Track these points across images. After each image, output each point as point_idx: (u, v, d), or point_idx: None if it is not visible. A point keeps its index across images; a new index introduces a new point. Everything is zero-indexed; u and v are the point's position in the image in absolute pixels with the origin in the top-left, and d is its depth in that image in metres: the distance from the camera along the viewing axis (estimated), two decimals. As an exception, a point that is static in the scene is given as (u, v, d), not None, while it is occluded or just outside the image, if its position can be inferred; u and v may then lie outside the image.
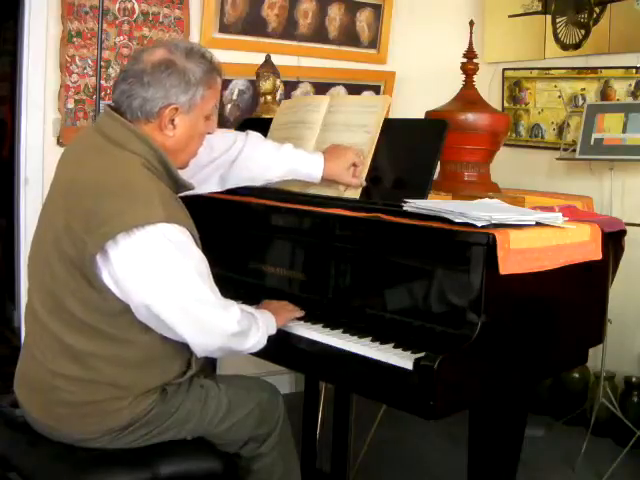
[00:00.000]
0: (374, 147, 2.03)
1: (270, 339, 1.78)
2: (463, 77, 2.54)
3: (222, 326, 1.65)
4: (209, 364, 2.20)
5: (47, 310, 1.66)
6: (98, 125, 1.71)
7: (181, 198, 1.74)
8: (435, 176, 2.05)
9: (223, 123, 3.39)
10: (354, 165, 2.01)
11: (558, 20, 3.48)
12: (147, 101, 1.65)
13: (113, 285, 1.58)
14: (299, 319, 1.89)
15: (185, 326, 1.62)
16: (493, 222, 1.68)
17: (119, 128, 1.66)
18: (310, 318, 1.89)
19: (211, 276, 1.67)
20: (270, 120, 2.36)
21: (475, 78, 2.54)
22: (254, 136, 2.12)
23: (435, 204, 1.80)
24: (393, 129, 2.05)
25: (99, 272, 1.57)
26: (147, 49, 1.70)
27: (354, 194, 2.04)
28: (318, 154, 2.05)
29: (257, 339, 1.73)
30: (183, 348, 1.70)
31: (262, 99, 2.82)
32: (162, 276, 1.57)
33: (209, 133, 1.81)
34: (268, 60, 2.82)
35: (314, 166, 2.04)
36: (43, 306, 1.67)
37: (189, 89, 1.67)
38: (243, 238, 2.23)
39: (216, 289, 1.67)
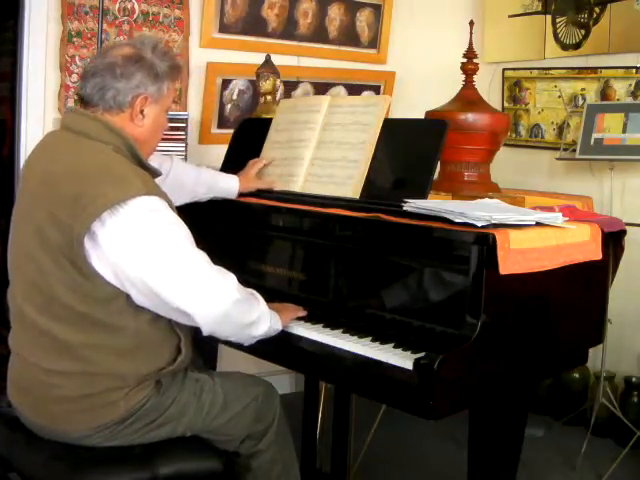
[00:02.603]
0: (374, 147, 2.03)
1: (270, 339, 1.78)
2: (463, 77, 2.54)
3: (222, 290, 1.64)
4: (207, 363, 2.20)
5: (34, 307, 1.66)
6: (63, 124, 1.79)
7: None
8: (435, 176, 2.05)
9: (223, 123, 3.39)
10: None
11: (558, 20, 3.48)
12: (120, 91, 1.73)
13: (103, 269, 1.59)
14: (299, 319, 1.89)
15: (185, 295, 1.60)
16: (493, 222, 1.68)
17: (86, 121, 1.72)
18: (310, 318, 1.89)
19: None
20: (270, 120, 2.36)
21: (475, 78, 2.54)
22: (177, 158, 2.28)
23: (435, 204, 1.80)
24: (393, 129, 2.05)
25: (88, 256, 1.58)
26: (115, 46, 1.81)
27: (345, 193, 2.03)
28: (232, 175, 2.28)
29: (259, 314, 1.72)
30: (172, 333, 1.72)
31: (262, 99, 2.82)
32: (154, 246, 1.59)
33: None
34: (268, 60, 2.83)
35: (230, 183, 2.24)
36: (30, 303, 1.67)
37: (157, 80, 1.77)
38: (243, 238, 2.24)
39: (206, 256, 1.67)
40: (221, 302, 1.64)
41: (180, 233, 1.64)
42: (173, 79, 1.83)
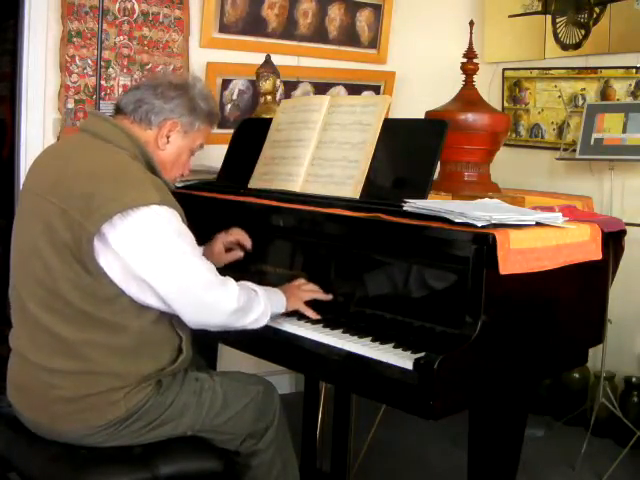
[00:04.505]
0: (374, 147, 2.03)
1: (270, 339, 1.78)
2: (463, 77, 2.54)
3: (221, 304, 1.68)
4: (207, 363, 2.20)
5: (38, 303, 1.67)
6: (84, 126, 1.81)
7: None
8: (435, 176, 2.05)
9: (223, 123, 3.39)
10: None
11: (558, 20, 3.48)
12: (154, 108, 1.78)
13: (111, 269, 1.61)
14: (300, 318, 1.88)
15: (184, 306, 1.66)
16: (493, 222, 1.68)
17: (107, 126, 1.75)
18: (310, 318, 1.89)
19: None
20: (270, 120, 2.36)
21: (475, 78, 2.54)
22: None
23: (435, 204, 1.80)
24: (393, 129, 2.05)
25: (96, 256, 1.60)
26: (168, 74, 1.94)
27: (345, 193, 2.03)
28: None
29: (258, 315, 1.75)
30: (173, 333, 1.74)
31: (262, 99, 2.82)
32: (160, 254, 1.62)
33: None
34: (268, 60, 2.82)
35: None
36: (33, 299, 1.68)
37: (193, 114, 1.82)
38: (243, 238, 2.23)
39: (212, 267, 1.70)
40: (217, 316, 1.69)
41: (187, 244, 1.66)
42: (207, 122, 1.87)
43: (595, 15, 3.32)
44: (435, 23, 3.76)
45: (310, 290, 1.92)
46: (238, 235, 2.11)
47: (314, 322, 1.86)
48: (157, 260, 1.61)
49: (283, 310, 1.84)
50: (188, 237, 1.68)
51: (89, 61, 3.05)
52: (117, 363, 1.66)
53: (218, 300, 1.68)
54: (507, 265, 1.65)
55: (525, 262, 1.69)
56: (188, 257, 1.65)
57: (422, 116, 2.46)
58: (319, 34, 3.64)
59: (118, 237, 1.60)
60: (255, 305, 1.75)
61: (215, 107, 1.93)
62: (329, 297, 1.92)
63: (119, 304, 1.64)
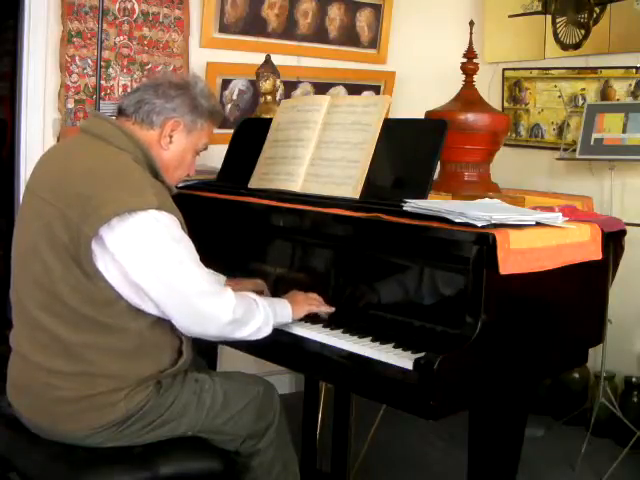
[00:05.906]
0: (374, 147, 2.03)
1: (271, 339, 1.78)
2: (463, 77, 2.54)
3: (216, 314, 1.66)
4: (207, 362, 2.20)
5: (38, 305, 1.67)
6: (84, 127, 1.81)
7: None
8: (435, 176, 2.05)
9: (223, 123, 3.38)
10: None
11: (558, 20, 3.48)
12: (156, 108, 1.77)
13: (109, 273, 1.61)
14: (300, 320, 1.88)
15: (178, 313, 1.65)
16: (493, 222, 1.68)
17: (108, 127, 1.75)
18: (310, 318, 1.89)
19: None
20: (270, 120, 2.36)
21: (475, 78, 2.54)
22: None
23: (435, 204, 1.80)
24: (393, 129, 2.05)
25: (94, 259, 1.60)
26: (169, 74, 1.89)
27: (345, 193, 2.03)
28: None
29: (257, 326, 1.73)
30: (173, 335, 1.73)
31: (262, 99, 2.82)
32: (156, 260, 1.61)
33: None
34: (268, 60, 2.82)
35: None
36: (32, 300, 1.68)
37: (195, 112, 1.81)
38: (243, 238, 2.24)
39: (210, 277, 1.69)
40: (211, 326, 1.68)
41: (184, 251, 1.65)
42: (209, 121, 1.86)
43: (595, 15, 3.32)
44: (435, 23, 3.76)
45: (316, 299, 1.90)
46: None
47: (314, 322, 1.87)
48: (152, 266, 1.60)
49: (290, 320, 1.82)
50: (186, 244, 1.66)
51: (89, 61, 3.04)
52: (117, 365, 1.66)
53: (212, 310, 1.66)
54: (507, 265, 1.65)
55: (525, 262, 1.69)
56: (184, 264, 1.63)
57: (422, 116, 2.46)
58: (319, 34, 3.64)
59: (116, 240, 1.59)
60: (254, 316, 1.73)
61: (217, 105, 1.92)
62: (332, 309, 1.90)
63: (118, 307, 1.64)
